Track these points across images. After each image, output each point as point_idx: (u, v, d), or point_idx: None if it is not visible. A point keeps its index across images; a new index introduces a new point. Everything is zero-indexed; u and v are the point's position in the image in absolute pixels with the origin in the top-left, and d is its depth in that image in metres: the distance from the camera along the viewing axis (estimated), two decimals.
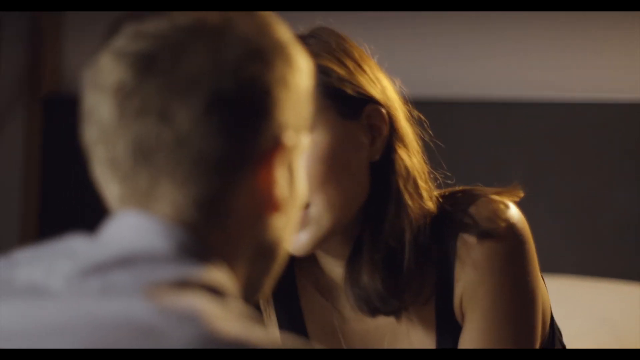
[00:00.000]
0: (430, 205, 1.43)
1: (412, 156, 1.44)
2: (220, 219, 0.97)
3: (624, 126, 2.86)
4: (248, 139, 0.96)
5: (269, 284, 1.05)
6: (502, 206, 1.43)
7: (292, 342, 0.91)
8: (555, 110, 2.93)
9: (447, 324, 1.43)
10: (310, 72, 1.03)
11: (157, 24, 0.96)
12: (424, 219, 1.41)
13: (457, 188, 1.49)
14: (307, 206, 1.38)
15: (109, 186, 0.98)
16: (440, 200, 1.46)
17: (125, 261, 0.92)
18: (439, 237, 1.43)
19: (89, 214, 3.36)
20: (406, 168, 1.42)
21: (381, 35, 2.99)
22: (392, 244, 1.40)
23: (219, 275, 0.95)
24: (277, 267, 1.05)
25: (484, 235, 1.41)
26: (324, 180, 1.36)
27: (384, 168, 1.42)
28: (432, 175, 1.48)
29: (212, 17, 0.97)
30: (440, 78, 3.06)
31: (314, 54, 1.39)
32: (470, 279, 1.40)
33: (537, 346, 1.43)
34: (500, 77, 3.02)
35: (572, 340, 2.55)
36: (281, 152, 0.98)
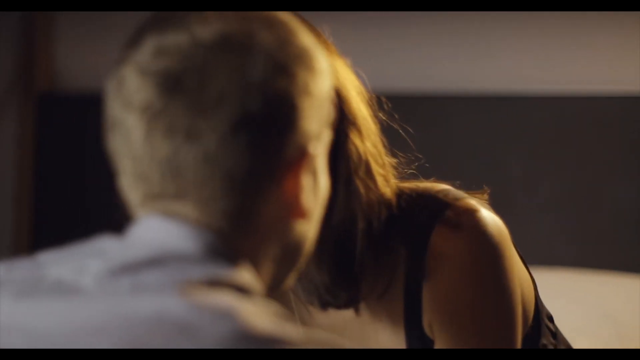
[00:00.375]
0: (387, 191, 1.36)
1: (365, 139, 1.36)
2: (247, 226, 0.99)
3: (622, 119, 2.86)
4: (274, 152, 0.98)
5: (289, 282, 1.07)
6: (475, 209, 1.38)
7: (322, 338, 0.92)
8: (553, 104, 2.92)
9: (417, 322, 1.38)
10: (330, 71, 1.04)
11: (178, 39, 0.97)
12: (379, 207, 1.35)
13: (423, 183, 1.43)
14: None
15: (133, 193, 1.00)
16: (406, 193, 1.39)
17: (156, 261, 0.94)
18: (406, 233, 1.37)
19: (83, 212, 3.35)
20: (357, 152, 1.34)
21: (376, 32, 2.98)
22: (341, 234, 1.34)
23: (246, 275, 0.96)
24: (300, 265, 1.07)
25: (457, 237, 1.35)
26: None
27: (332, 152, 1.30)
28: (397, 161, 1.43)
29: (234, 31, 0.98)
30: (438, 73, 3.05)
31: None
32: (443, 279, 1.35)
33: (519, 344, 1.37)
34: (498, 72, 3.01)
35: (573, 334, 2.54)
36: (307, 160, 1.00)
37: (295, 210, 1.01)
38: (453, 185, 1.45)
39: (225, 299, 0.91)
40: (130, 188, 1.00)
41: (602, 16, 2.87)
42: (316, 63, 1.01)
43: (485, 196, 1.45)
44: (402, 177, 1.43)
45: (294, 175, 1.00)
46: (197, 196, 0.97)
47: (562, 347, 1.59)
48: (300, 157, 1.00)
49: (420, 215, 1.37)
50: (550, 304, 2.60)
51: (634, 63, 2.85)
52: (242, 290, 0.94)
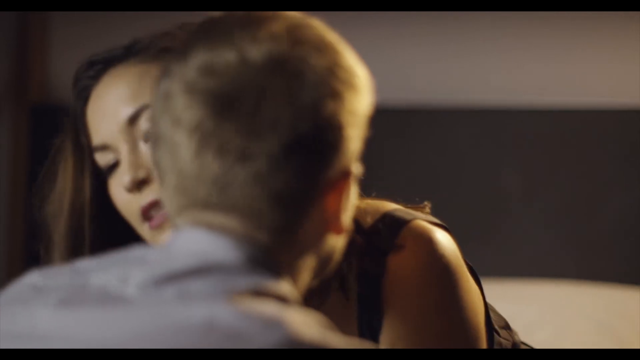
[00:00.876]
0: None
1: None
2: (289, 240, 1.02)
3: (620, 132, 2.86)
4: (321, 173, 1.01)
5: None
6: (425, 233, 1.36)
7: (365, 346, 0.95)
8: (550, 117, 2.92)
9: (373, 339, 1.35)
10: (369, 88, 1.06)
11: (227, 57, 0.99)
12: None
13: (372, 202, 1.41)
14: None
15: (174, 204, 1.03)
16: (361, 210, 1.37)
17: (200, 271, 0.96)
18: (357, 254, 1.35)
19: None
20: None
21: (372, 40, 2.96)
22: None
23: (287, 286, 1.00)
24: (327, 275, 1.12)
25: (408, 261, 1.34)
26: None
27: None
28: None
29: (286, 54, 1.00)
30: (435, 85, 3.04)
31: (179, 38, 1.36)
32: (397, 305, 1.34)
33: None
34: (495, 84, 3.01)
35: (571, 346, 2.52)
36: (349, 180, 1.04)
37: (334, 227, 1.04)
38: (398, 202, 1.44)
39: (272, 308, 0.93)
40: (171, 199, 1.03)
41: (602, 27, 2.86)
42: (360, 82, 1.04)
43: (427, 210, 1.46)
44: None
45: (337, 195, 1.03)
46: (242, 211, 1.00)
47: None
48: (344, 177, 1.03)
49: (376, 236, 1.36)
50: (549, 317, 2.60)
51: (632, 75, 2.84)
52: (284, 300, 0.97)
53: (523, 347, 1.64)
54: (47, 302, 0.97)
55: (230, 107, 0.98)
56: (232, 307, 0.92)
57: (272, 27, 1.01)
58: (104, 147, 1.39)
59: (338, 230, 1.05)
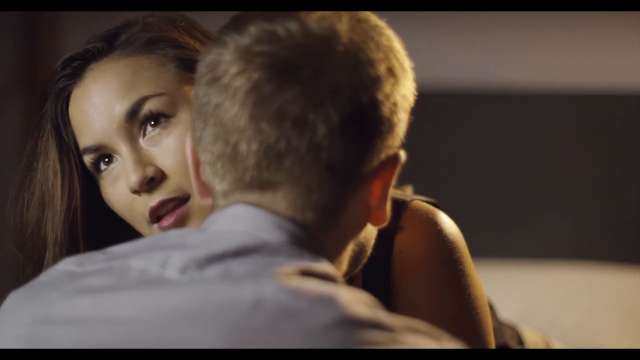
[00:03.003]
0: None
1: None
2: (332, 223, 1.01)
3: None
4: (374, 152, 1.01)
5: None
6: (429, 212, 1.34)
7: (417, 324, 0.93)
8: (574, 102, 2.90)
9: None
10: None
11: (288, 26, 0.99)
12: None
13: None
14: (187, 197, 1.28)
15: (218, 181, 1.01)
16: None
17: (244, 251, 0.95)
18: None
19: None
20: None
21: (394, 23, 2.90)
22: None
23: (332, 267, 0.98)
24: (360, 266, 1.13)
25: (417, 243, 1.32)
26: None
27: None
28: None
29: (347, 29, 1.00)
30: (459, 69, 3.02)
31: (160, 29, 1.33)
32: (409, 288, 1.31)
33: (492, 342, 1.34)
34: (520, 68, 2.98)
35: (599, 329, 2.48)
36: (397, 166, 1.04)
37: (375, 215, 1.03)
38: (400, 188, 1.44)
39: (322, 286, 0.92)
40: (216, 177, 1.01)
41: (631, 13, 2.81)
42: (409, 69, 1.05)
43: (409, 192, 1.46)
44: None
45: (383, 180, 1.02)
46: (289, 186, 0.98)
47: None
48: (392, 162, 1.03)
49: (385, 231, 1.32)
50: (576, 301, 2.56)
51: None
52: (331, 279, 0.95)
53: (505, 327, 1.66)
54: (86, 287, 0.96)
55: (290, 72, 0.97)
56: (281, 285, 0.91)
57: (333, 12, 1.02)
58: (98, 147, 1.32)
59: (379, 219, 1.04)
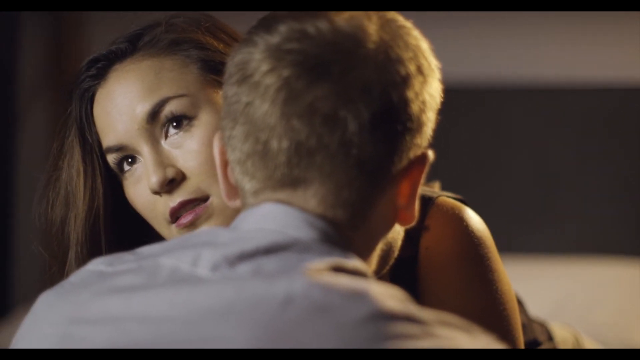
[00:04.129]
0: None
1: None
2: (361, 221, 1.01)
3: None
4: (403, 150, 1.01)
5: None
6: (455, 208, 1.34)
7: (449, 319, 0.93)
8: (602, 95, 2.89)
9: None
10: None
11: (318, 25, 0.99)
12: None
13: None
14: (206, 198, 1.28)
15: (247, 180, 1.01)
16: None
17: (275, 248, 0.95)
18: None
19: None
20: None
21: (418, 19, 2.90)
22: None
23: (362, 264, 0.98)
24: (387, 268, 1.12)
25: (443, 238, 1.32)
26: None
27: None
28: None
29: (376, 28, 1.01)
30: (481, 65, 2.99)
31: (184, 30, 1.33)
32: (435, 283, 1.31)
33: (520, 337, 1.33)
34: (547, 62, 2.97)
35: (630, 325, 2.46)
36: (425, 165, 1.04)
37: (404, 214, 1.03)
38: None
39: (354, 282, 0.91)
40: (246, 176, 1.01)
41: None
42: (437, 70, 1.06)
43: (437, 188, 1.45)
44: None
45: (412, 179, 1.02)
46: (320, 183, 0.99)
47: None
48: (421, 162, 1.03)
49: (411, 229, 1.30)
50: (610, 294, 2.55)
51: None
52: (362, 275, 0.95)
53: (535, 323, 1.65)
54: (117, 286, 0.96)
55: (320, 68, 0.97)
56: (312, 280, 0.90)
57: (362, 12, 1.03)
58: (120, 148, 1.32)
59: (407, 218, 1.04)
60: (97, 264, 1.02)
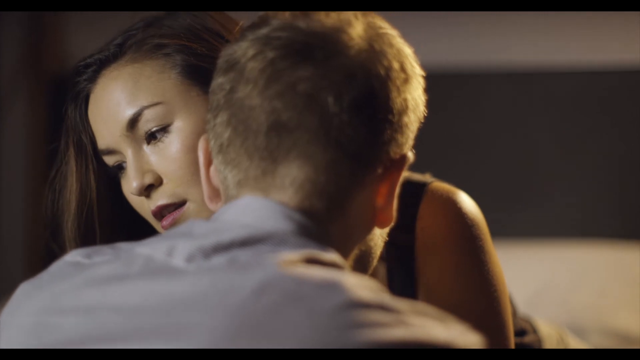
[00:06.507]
0: None
1: None
2: (338, 213, 1.01)
3: None
4: (384, 142, 1.01)
5: None
6: (450, 192, 1.39)
7: (424, 308, 0.94)
8: (582, 78, 2.90)
9: (408, 292, 1.37)
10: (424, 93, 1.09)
11: (306, 20, 1.01)
12: None
13: None
14: (183, 202, 1.32)
15: (229, 170, 1.02)
16: None
17: (251, 240, 0.96)
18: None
19: None
20: None
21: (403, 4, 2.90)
22: None
23: (339, 257, 0.98)
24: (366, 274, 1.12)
25: (438, 220, 1.36)
26: (198, 171, 1.26)
27: None
28: None
29: (364, 27, 1.04)
30: (467, 48, 3.00)
31: (166, 34, 1.35)
32: (430, 264, 1.35)
33: (510, 320, 1.37)
34: (527, 46, 2.97)
35: (615, 305, 2.47)
36: (404, 168, 1.04)
37: (382, 216, 1.04)
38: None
39: (325, 272, 0.92)
40: (228, 165, 1.02)
41: None
42: (421, 77, 1.08)
43: (429, 178, 1.46)
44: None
45: (390, 179, 1.03)
46: (298, 167, 0.99)
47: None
48: (401, 162, 1.03)
49: (404, 196, 1.32)
50: (591, 277, 2.56)
51: None
52: (337, 267, 0.95)
53: (521, 320, 1.67)
54: (93, 277, 0.97)
55: (305, 52, 0.99)
56: (286, 271, 0.91)
57: (351, 12, 1.05)
58: (110, 152, 1.37)
59: (385, 220, 1.05)
60: (74, 255, 1.03)
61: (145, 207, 1.35)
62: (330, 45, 1.00)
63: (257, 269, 0.92)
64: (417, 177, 1.40)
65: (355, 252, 1.06)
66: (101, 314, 0.94)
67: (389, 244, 1.32)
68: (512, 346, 1.35)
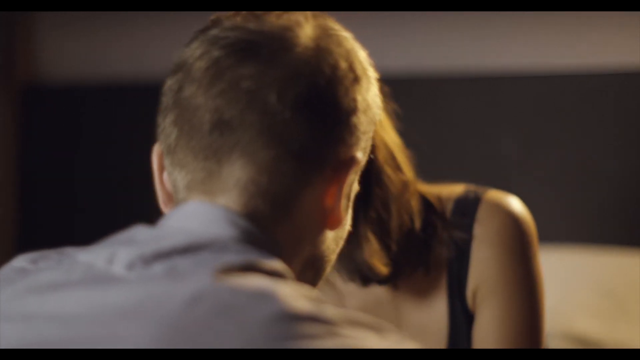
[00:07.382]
0: (411, 177, 1.50)
1: (388, 130, 1.50)
2: (284, 215, 1.00)
3: (617, 95, 2.85)
4: (330, 142, 1.00)
5: None
6: (508, 197, 1.52)
7: (360, 317, 0.93)
8: (547, 82, 2.91)
9: (460, 293, 1.50)
10: (379, 93, 1.08)
11: (254, 21, 1.01)
12: (408, 193, 1.48)
13: (440, 186, 1.57)
14: None
15: (178, 171, 1.01)
16: (434, 189, 1.55)
17: (190, 247, 0.94)
18: (446, 219, 1.51)
19: (67, 206, 3.30)
20: (385, 143, 1.47)
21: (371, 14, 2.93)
22: (381, 215, 1.44)
23: (280, 263, 0.96)
24: (319, 283, 1.09)
25: (495, 220, 1.49)
26: None
27: None
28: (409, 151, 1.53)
29: (313, 24, 1.03)
30: (433, 53, 3.02)
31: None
32: (487, 258, 1.48)
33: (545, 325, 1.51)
34: (492, 51, 2.99)
35: (575, 310, 2.50)
36: (353, 169, 1.03)
37: (332, 217, 1.02)
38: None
39: (261, 282, 0.91)
40: (176, 167, 1.01)
41: None
42: (373, 78, 1.06)
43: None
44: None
45: (338, 180, 1.02)
46: (240, 167, 0.98)
47: None
48: (349, 163, 1.02)
49: (463, 201, 1.52)
50: (551, 282, 2.59)
51: (629, 39, 2.82)
52: (277, 275, 0.94)
53: None
54: (35, 284, 0.96)
55: (250, 50, 0.98)
56: (220, 281, 0.90)
57: (302, 12, 1.05)
58: None
59: (334, 222, 1.03)
60: (20, 261, 1.02)
61: None
62: (276, 43, 0.99)
63: (192, 278, 0.90)
64: (477, 188, 1.54)
65: (305, 256, 1.04)
66: (38, 322, 0.92)
67: (451, 242, 1.48)
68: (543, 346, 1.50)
